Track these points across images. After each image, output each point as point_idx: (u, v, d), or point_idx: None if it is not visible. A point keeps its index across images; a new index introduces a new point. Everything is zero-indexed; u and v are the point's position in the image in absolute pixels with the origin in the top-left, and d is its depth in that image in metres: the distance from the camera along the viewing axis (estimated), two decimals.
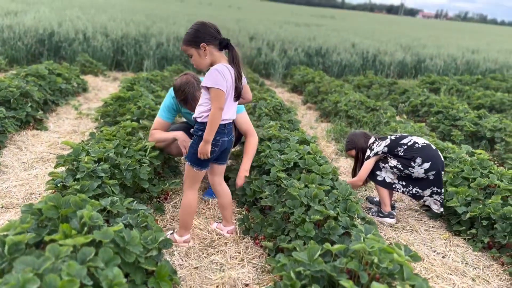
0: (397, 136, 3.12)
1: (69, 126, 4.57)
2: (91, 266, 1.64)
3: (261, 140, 3.41)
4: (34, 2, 13.76)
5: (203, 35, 2.22)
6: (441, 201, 3.03)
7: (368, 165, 3.10)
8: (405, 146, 3.03)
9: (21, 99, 4.33)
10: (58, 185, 2.58)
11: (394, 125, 4.43)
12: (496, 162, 4.39)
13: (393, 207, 3.17)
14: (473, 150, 3.75)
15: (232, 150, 3.40)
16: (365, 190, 3.60)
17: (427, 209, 3.26)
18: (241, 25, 13.29)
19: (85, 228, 1.83)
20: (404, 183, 3.06)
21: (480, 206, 2.84)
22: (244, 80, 2.37)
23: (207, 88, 2.20)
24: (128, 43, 8.57)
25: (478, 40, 19.27)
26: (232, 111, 2.33)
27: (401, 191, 3.07)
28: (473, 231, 2.83)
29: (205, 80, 2.19)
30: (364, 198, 3.44)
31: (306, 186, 2.66)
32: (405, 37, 15.81)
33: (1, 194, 2.91)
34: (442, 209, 3.04)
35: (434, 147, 3.07)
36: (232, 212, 2.72)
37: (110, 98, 4.63)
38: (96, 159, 2.77)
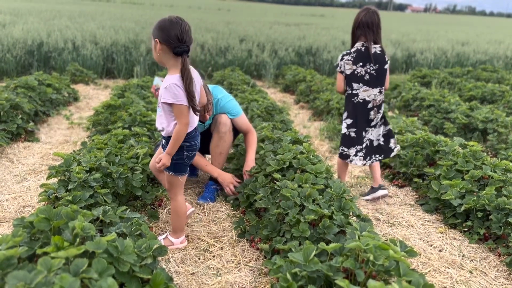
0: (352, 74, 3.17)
1: (61, 137, 4.54)
2: (85, 277, 1.62)
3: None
4: (22, 13, 13.69)
5: (160, 31, 2.13)
6: (363, 155, 3.25)
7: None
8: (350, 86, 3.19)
9: (12, 112, 4.30)
10: (51, 196, 2.56)
11: None
12: (489, 153, 4.41)
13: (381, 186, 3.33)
14: (466, 142, 3.76)
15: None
16: (360, 186, 3.61)
17: (423, 203, 3.26)
18: (231, 27, 13.29)
19: (78, 239, 1.81)
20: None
21: (475, 198, 2.85)
22: (200, 82, 2.33)
23: (168, 104, 2.17)
24: (118, 50, 8.54)
25: (468, 32, 19.37)
26: (195, 117, 2.32)
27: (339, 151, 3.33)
28: (469, 223, 2.83)
29: (165, 96, 2.14)
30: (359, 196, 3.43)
31: (300, 186, 2.65)
32: (395, 32, 15.88)
33: None
34: (365, 162, 3.27)
35: (368, 107, 3.18)
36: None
37: (101, 106, 4.61)
38: (88, 169, 2.75)
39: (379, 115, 3.24)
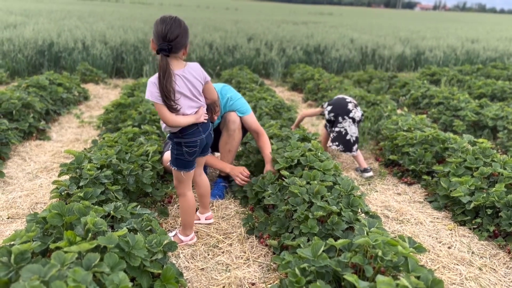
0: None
1: (72, 135, 4.59)
2: (97, 271, 1.65)
3: None
4: (33, 14, 13.85)
5: (153, 30, 2.16)
6: (332, 137, 3.82)
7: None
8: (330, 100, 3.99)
9: (23, 111, 4.37)
10: (63, 193, 2.60)
11: (395, 118, 4.43)
12: (499, 150, 4.38)
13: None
14: (475, 140, 3.74)
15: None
16: (369, 184, 3.61)
17: (432, 200, 3.26)
18: (239, 26, 13.31)
19: (90, 234, 1.84)
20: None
21: (484, 195, 2.84)
22: (207, 78, 2.32)
23: None
24: (127, 50, 8.61)
25: (478, 29, 19.18)
26: (193, 110, 2.28)
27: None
28: (478, 220, 2.82)
29: (146, 93, 2.19)
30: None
31: (308, 183, 2.66)
32: (404, 30, 15.78)
33: (7, 205, 2.94)
34: (341, 148, 3.76)
35: (346, 100, 3.85)
36: (209, 200, 2.80)
37: (111, 105, 4.66)
38: (99, 166, 2.79)
39: None
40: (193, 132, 2.30)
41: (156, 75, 2.14)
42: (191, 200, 2.47)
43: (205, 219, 2.80)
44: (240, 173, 3.14)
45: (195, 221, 2.75)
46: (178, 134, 2.29)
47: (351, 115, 3.76)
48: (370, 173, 3.75)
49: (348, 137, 3.75)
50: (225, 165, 3.21)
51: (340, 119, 3.78)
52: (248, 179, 3.14)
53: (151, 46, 2.19)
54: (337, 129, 3.78)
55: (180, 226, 2.67)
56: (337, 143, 3.77)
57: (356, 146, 3.79)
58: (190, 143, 2.31)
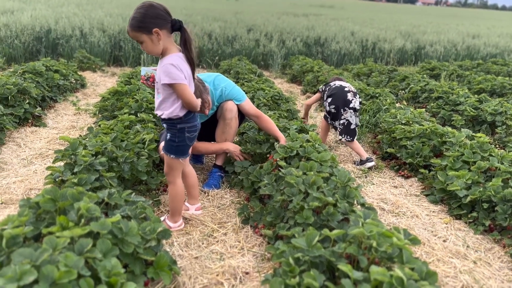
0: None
1: (68, 122, 4.56)
2: (89, 257, 1.64)
3: (259, 130, 3.40)
4: (31, 0, 13.71)
5: (154, 19, 2.07)
6: (340, 130, 3.88)
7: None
8: (328, 87, 4.01)
9: (19, 96, 4.33)
10: (57, 179, 2.58)
11: (394, 112, 4.40)
12: (497, 146, 4.37)
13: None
14: (473, 134, 3.73)
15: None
16: (366, 177, 3.59)
17: (428, 193, 3.25)
18: (239, 17, 13.22)
19: (83, 220, 1.82)
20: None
21: (481, 189, 2.83)
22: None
23: (168, 85, 2.17)
24: (126, 38, 8.54)
25: (479, 25, 19.11)
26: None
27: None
28: (474, 214, 2.81)
29: (163, 78, 2.14)
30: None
31: (304, 173, 2.65)
32: (405, 24, 15.70)
33: (1, 191, 2.92)
34: (347, 138, 3.83)
35: (345, 89, 3.85)
36: (198, 191, 2.80)
37: (108, 92, 4.62)
38: (94, 153, 2.76)
39: None
40: (193, 117, 2.33)
41: (174, 58, 2.13)
42: (180, 188, 2.48)
43: (195, 210, 2.77)
44: (238, 150, 3.18)
45: (185, 211, 2.73)
46: (182, 119, 2.27)
47: (351, 105, 3.82)
48: (372, 163, 3.75)
49: (352, 127, 3.83)
50: (220, 144, 3.22)
51: (342, 111, 3.83)
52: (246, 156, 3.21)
53: (160, 36, 2.09)
54: (341, 121, 3.85)
55: (168, 213, 2.65)
56: (344, 135, 3.84)
57: (356, 134, 3.91)
58: (192, 128, 2.33)
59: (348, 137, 3.83)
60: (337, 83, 4.00)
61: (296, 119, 4.31)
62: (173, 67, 2.12)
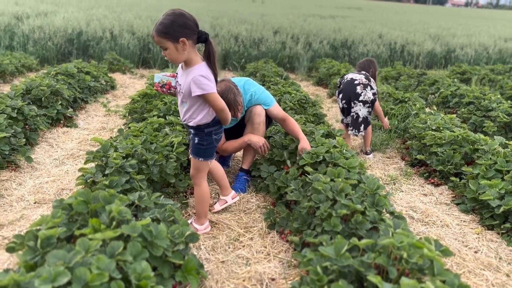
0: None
1: (98, 123, 4.67)
2: (120, 259, 1.67)
3: (286, 134, 3.39)
4: (63, 3, 14.12)
5: (182, 28, 2.10)
6: (350, 124, 3.95)
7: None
8: (342, 81, 4.05)
9: (52, 97, 4.46)
10: (88, 180, 2.64)
11: (424, 117, 4.32)
12: None
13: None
14: (507, 142, 3.62)
15: None
16: (394, 184, 3.53)
17: (459, 202, 3.17)
18: (265, 19, 13.23)
19: (114, 223, 1.86)
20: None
21: None
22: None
23: (199, 96, 2.22)
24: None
25: (511, 27, 18.54)
26: None
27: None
28: (508, 225, 2.73)
29: (195, 90, 2.18)
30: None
31: (332, 180, 2.62)
32: (434, 26, 15.39)
33: (34, 190, 3.01)
34: (354, 131, 3.94)
35: (355, 82, 3.87)
36: (227, 181, 2.87)
37: (137, 95, 4.70)
38: (124, 155, 2.82)
39: None
40: (218, 121, 2.39)
41: (202, 69, 2.19)
42: (206, 190, 2.53)
43: (232, 198, 2.87)
44: (262, 142, 3.15)
45: (224, 206, 2.86)
46: (210, 124, 2.35)
47: (361, 98, 3.86)
48: (371, 156, 4.02)
49: (360, 120, 3.92)
50: (243, 137, 3.20)
51: (352, 104, 3.93)
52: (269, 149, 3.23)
53: (187, 46, 2.12)
54: (350, 115, 3.96)
55: (194, 217, 2.67)
56: (351, 128, 3.97)
57: (363, 126, 3.92)
58: (218, 130, 2.42)
59: (356, 130, 3.86)
60: (349, 76, 4.02)
61: (323, 123, 4.28)
62: (204, 78, 2.17)
